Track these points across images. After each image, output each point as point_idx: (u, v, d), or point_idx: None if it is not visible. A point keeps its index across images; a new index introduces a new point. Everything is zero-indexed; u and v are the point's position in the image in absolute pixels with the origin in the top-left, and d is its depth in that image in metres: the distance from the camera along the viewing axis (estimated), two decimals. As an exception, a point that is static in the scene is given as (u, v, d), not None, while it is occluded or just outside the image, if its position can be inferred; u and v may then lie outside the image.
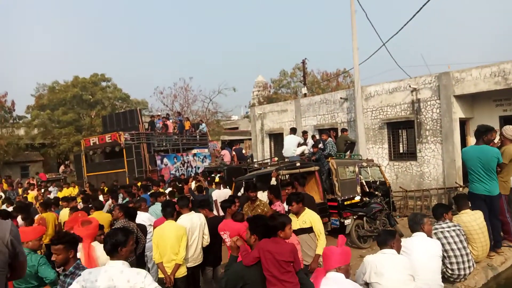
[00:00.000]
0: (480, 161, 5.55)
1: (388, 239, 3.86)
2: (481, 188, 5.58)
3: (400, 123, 13.45)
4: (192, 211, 5.17)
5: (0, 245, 1.81)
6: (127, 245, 2.81)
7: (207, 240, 5.09)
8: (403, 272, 3.71)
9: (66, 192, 14.38)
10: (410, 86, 12.80)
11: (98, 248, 3.86)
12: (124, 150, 15.92)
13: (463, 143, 12.61)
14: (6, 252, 1.84)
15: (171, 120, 19.90)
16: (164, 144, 17.90)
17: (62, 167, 24.76)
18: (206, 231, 5.09)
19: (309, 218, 4.73)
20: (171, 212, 4.77)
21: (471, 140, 12.52)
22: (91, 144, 17.23)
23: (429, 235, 4.49)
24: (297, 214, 4.76)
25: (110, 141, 16.26)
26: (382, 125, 13.80)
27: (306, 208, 4.83)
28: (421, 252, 4.18)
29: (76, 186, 15.81)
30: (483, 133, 5.75)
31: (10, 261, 1.87)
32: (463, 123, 12.66)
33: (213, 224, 5.14)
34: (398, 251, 3.87)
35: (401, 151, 13.82)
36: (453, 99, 11.99)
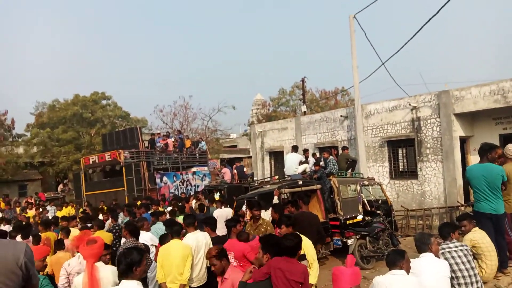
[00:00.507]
0: (485, 180, 5.50)
1: (397, 259, 3.80)
2: (487, 207, 5.52)
3: (401, 141, 13.48)
4: (198, 230, 5.13)
5: (14, 267, 1.81)
6: (141, 265, 2.80)
7: None
8: None
9: (65, 211, 14.24)
10: (410, 104, 12.89)
11: (102, 269, 3.82)
12: (123, 168, 15.85)
13: (463, 161, 12.61)
14: (20, 274, 1.84)
15: (171, 139, 19.92)
16: (163, 162, 17.84)
17: (60, 186, 24.60)
18: None
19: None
20: (178, 230, 4.72)
21: (472, 159, 12.54)
22: (91, 162, 17.17)
23: (436, 255, 4.41)
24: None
25: (110, 159, 16.21)
26: (382, 143, 13.82)
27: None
28: (430, 273, 4.10)
29: (74, 205, 15.66)
30: (487, 151, 5.72)
31: (23, 284, 1.87)
32: (463, 141, 12.69)
33: (217, 244, 4.99)
34: (408, 272, 3.81)
35: (401, 169, 13.79)
36: (453, 117, 12.05)
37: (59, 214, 13.80)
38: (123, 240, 5.66)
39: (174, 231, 4.69)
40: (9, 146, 26.03)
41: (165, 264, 4.49)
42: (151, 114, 52.35)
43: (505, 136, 11.80)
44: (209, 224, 5.46)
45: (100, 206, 13.17)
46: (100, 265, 3.89)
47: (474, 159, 12.14)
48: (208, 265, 4.86)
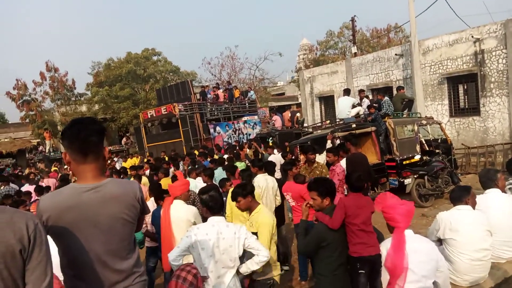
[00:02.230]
0: None
1: (462, 195, 3.73)
2: None
3: (462, 77, 12.68)
4: (266, 173, 5.35)
5: (134, 201, 2.05)
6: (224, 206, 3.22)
7: (279, 200, 5.29)
8: (480, 228, 3.60)
9: (130, 162, 15.34)
10: (472, 36, 11.91)
11: (179, 207, 4.09)
12: (179, 120, 16.49)
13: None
14: (139, 207, 2.09)
15: (221, 90, 20.20)
16: (215, 113, 18.27)
17: (124, 139, 26.31)
18: (279, 192, 5.28)
19: (257, 221, 3.56)
20: (250, 174, 4.96)
21: (543, 91, 11.56)
22: (149, 116, 18.00)
23: (503, 191, 4.27)
24: (249, 212, 3.74)
25: (166, 112, 16.85)
26: (441, 80, 13.08)
27: (260, 206, 3.73)
28: (498, 209, 3.99)
29: (139, 156, 16.79)
30: None
31: (139, 215, 2.13)
32: (533, 72, 11.64)
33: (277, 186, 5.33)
34: (473, 207, 3.73)
35: (462, 106, 13.10)
36: (522, 47, 11.03)
37: (125, 164, 14.96)
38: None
39: (246, 176, 4.92)
40: (73, 105, 27.87)
41: (234, 207, 4.54)
42: (199, 67, 52.94)
43: None
44: (268, 168, 5.64)
45: (162, 156, 13.98)
46: (177, 202, 4.15)
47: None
48: (276, 205, 5.25)
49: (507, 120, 11.56)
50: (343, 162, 6.36)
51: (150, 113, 18.19)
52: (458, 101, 13.10)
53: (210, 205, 3.08)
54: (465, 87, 12.93)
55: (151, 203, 5.06)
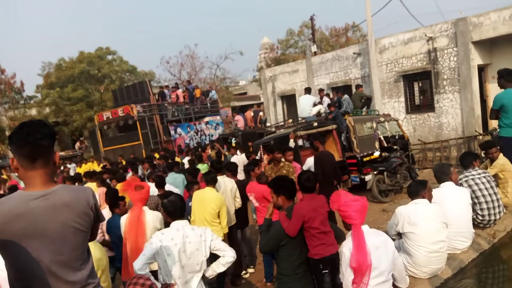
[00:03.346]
0: None
1: (419, 189, 3.86)
2: None
3: (416, 75, 13.10)
4: (224, 175, 5.25)
5: (86, 208, 1.95)
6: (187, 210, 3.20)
7: (239, 202, 5.18)
8: (436, 221, 3.74)
9: (86, 167, 14.60)
10: (426, 35, 12.33)
11: (148, 213, 4.01)
12: (137, 122, 15.97)
13: (481, 90, 12.28)
14: (92, 214, 1.99)
15: (180, 90, 19.76)
16: (176, 114, 17.88)
17: (78, 144, 25.10)
18: (238, 194, 5.18)
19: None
20: (214, 178, 4.74)
21: (490, 87, 12.19)
22: (105, 118, 17.33)
23: (456, 184, 4.47)
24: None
25: (123, 114, 16.31)
26: (397, 78, 13.45)
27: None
28: (452, 201, 4.18)
29: (95, 161, 16.04)
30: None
31: (93, 224, 2.03)
32: (480, 70, 12.26)
33: (239, 187, 5.23)
34: (430, 200, 3.87)
35: (417, 103, 13.56)
36: (470, 45, 11.57)
37: (80, 170, 14.20)
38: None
39: (210, 179, 4.72)
40: (22, 109, 26.29)
41: (198, 210, 4.57)
42: (157, 66, 51.93)
43: (526, 62, 11.34)
44: (230, 169, 5.55)
45: (120, 160, 13.43)
46: (146, 209, 4.06)
47: (492, 87, 11.79)
48: (236, 208, 5.16)
49: (460, 116, 12.08)
50: (310, 160, 6.42)
51: (106, 115, 17.49)
52: (414, 98, 13.54)
53: (170, 210, 3.07)
54: (420, 84, 13.39)
55: (106, 211, 4.79)
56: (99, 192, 6.72)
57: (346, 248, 3.12)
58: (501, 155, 5.29)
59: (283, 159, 6.16)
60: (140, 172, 9.90)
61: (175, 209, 3.05)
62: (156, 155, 12.02)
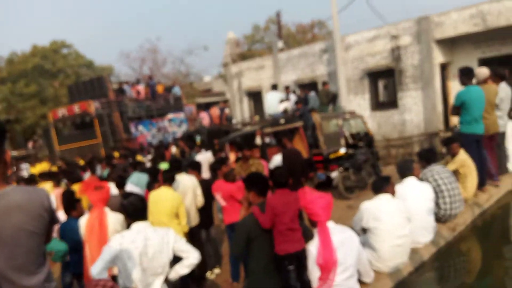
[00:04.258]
0: (483, 101, 5.58)
1: (383, 185, 4.03)
2: (479, 128, 5.64)
3: (381, 72, 13.32)
4: (183, 173, 5.07)
5: (41, 210, 1.90)
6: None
7: (200, 201, 5.01)
8: (400, 215, 3.90)
9: (40, 168, 13.72)
10: (389, 33, 12.50)
11: (109, 215, 3.88)
12: (95, 119, 15.25)
13: (443, 88, 12.62)
14: (47, 217, 1.94)
15: (141, 85, 19.08)
16: (137, 110, 17.25)
17: (31, 143, 23.76)
18: (199, 192, 5.00)
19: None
20: (171, 177, 4.56)
21: (451, 85, 12.54)
22: (60, 116, 16.58)
23: (419, 179, 4.67)
24: None
25: (80, 111, 15.64)
26: (363, 75, 13.61)
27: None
28: (415, 196, 4.36)
29: (48, 162, 15.15)
30: (472, 73, 5.72)
31: (48, 226, 1.98)
32: (442, 68, 12.60)
33: (204, 186, 5.09)
34: (393, 195, 4.03)
35: (382, 100, 13.78)
36: (433, 44, 11.86)
37: (33, 170, 13.35)
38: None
39: (166, 178, 4.54)
40: (-31, 105, 24.59)
41: (154, 211, 4.35)
42: (117, 61, 50.23)
43: (484, 60, 11.76)
44: (195, 168, 5.42)
45: (77, 160, 12.74)
46: (107, 210, 3.92)
47: (454, 85, 12.14)
48: (198, 206, 5.01)
49: (422, 113, 12.36)
50: (277, 158, 6.40)
51: (61, 112, 16.67)
52: (378, 95, 13.75)
53: (129, 212, 3.02)
54: (385, 82, 13.61)
55: (61, 215, 4.62)
56: (55, 193, 6.50)
57: (313, 246, 3.22)
58: (461, 150, 5.47)
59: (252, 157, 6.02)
60: (99, 172, 9.39)
61: (134, 210, 2.99)
62: (116, 154, 11.48)
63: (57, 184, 7.52)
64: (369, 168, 8.80)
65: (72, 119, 16.11)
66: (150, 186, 5.01)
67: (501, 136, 6.39)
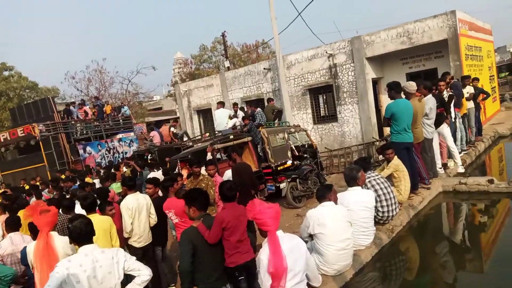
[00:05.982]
0: (412, 112, 6.03)
1: (326, 192, 4.23)
2: (408, 137, 6.09)
3: (320, 88, 14.23)
4: (138, 192, 5.16)
5: None
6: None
7: (154, 219, 5.09)
8: (343, 220, 4.11)
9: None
10: (326, 52, 13.52)
11: (57, 239, 3.77)
12: (40, 143, 14.75)
13: (376, 101, 13.80)
14: None
15: (88, 106, 18.70)
16: (84, 132, 16.88)
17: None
18: (153, 210, 5.09)
19: None
20: (92, 204, 4.50)
21: (383, 98, 13.76)
22: (2, 140, 15.72)
23: (363, 185, 4.97)
24: None
25: (23, 134, 14.99)
26: (304, 91, 14.49)
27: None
28: (355, 202, 4.63)
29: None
30: (399, 87, 6.16)
31: None
32: (374, 83, 13.78)
33: (157, 204, 5.13)
34: (335, 202, 4.25)
35: (323, 114, 14.70)
36: (365, 61, 12.95)
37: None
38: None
39: (86, 205, 4.43)
40: None
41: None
42: (62, 82, 48.12)
43: (412, 74, 13.09)
44: (152, 183, 5.45)
45: (22, 185, 12.24)
46: (54, 234, 3.83)
47: (385, 98, 13.33)
48: (151, 225, 5.06)
49: (359, 125, 13.43)
50: (228, 173, 6.48)
51: (3, 136, 15.84)
52: (319, 109, 14.68)
53: (74, 236, 2.94)
54: (324, 97, 14.59)
55: (8, 240, 4.53)
56: (0, 220, 6.18)
57: (264, 255, 3.26)
58: (395, 156, 5.91)
59: (202, 173, 6.20)
60: (46, 196, 9.16)
61: (79, 234, 2.91)
62: (63, 177, 11.22)
63: (2, 210, 7.24)
64: (314, 177, 9.24)
65: (16, 143, 15.40)
66: (101, 208, 4.92)
67: (429, 141, 6.85)
